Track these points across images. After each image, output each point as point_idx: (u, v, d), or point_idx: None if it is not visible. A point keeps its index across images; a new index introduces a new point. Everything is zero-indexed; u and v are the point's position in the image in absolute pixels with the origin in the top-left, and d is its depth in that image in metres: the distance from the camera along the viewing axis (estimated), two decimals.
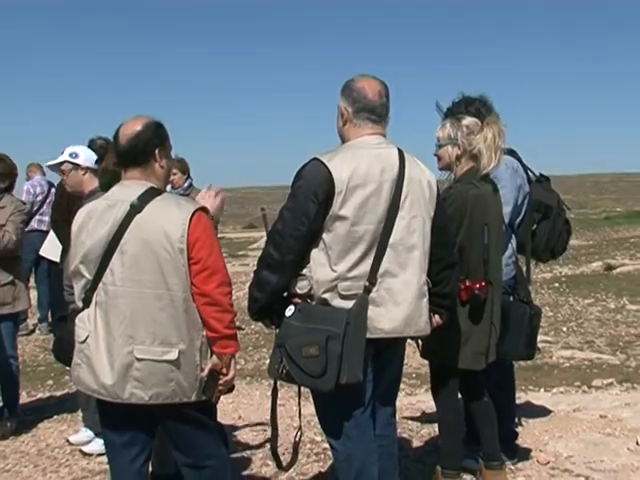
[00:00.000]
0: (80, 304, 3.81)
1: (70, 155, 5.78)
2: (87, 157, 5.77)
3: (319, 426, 4.32)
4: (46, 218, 11.02)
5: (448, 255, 4.15)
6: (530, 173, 5.49)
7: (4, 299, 6.42)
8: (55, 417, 7.08)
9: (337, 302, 3.79)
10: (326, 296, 3.80)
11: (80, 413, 6.94)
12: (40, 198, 11.15)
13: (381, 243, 3.82)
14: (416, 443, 6.11)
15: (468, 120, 4.80)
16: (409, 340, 4.35)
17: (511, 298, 5.11)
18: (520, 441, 5.79)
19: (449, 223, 4.28)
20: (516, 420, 5.99)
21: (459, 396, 4.95)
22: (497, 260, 4.74)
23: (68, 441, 6.23)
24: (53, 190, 11.35)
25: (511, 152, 5.28)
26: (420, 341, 4.64)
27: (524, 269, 5.49)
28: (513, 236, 5.22)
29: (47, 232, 10.92)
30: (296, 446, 4.21)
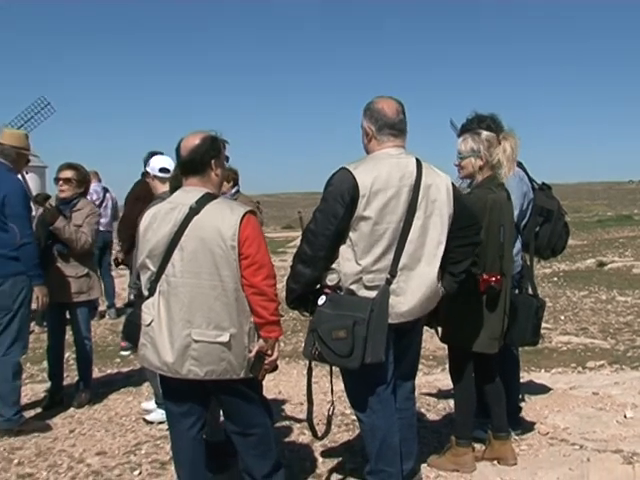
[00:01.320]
0: (146, 293, 3.84)
1: (146, 164, 5.87)
2: (153, 166, 5.81)
3: (345, 400, 4.32)
4: (103, 220, 11.18)
5: (473, 235, 4.14)
6: (534, 182, 5.46)
7: (80, 289, 6.49)
8: (122, 390, 7.12)
9: (362, 292, 3.81)
10: (353, 287, 3.82)
11: (143, 386, 7.05)
12: (97, 203, 11.24)
13: (400, 240, 3.84)
14: (433, 416, 6.09)
15: (486, 134, 4.79)
16: (426, 327, 4.37)
17: (516, 291, 5.08)
18: (523, 414, 5.77)
19: (472, 211, 4.24)
20: (520, 396, 5.96)
21: (472, 376, 4.93)
22: (509, 256, 4.73)
23: (146, 411, 6.22)
24: (108, 195, 11.49)
25: (518, 164, 5.25)
26: (439, 327, 4.66)
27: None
28: (519, 236, 5.19)
29: (105, 232, 11.11)
30: (329, 419, 4.22)
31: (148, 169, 5.85)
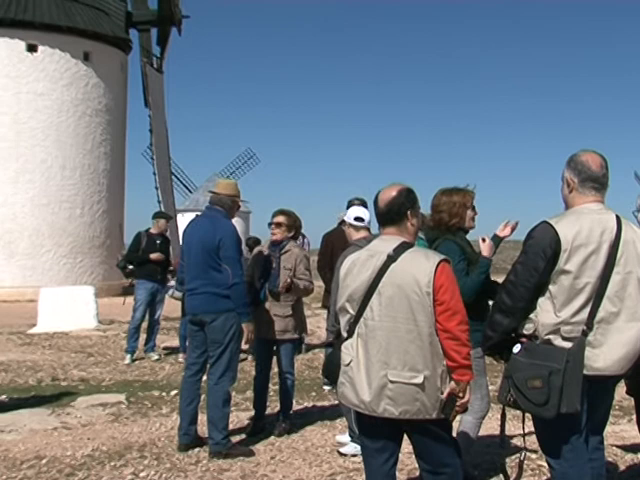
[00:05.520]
0: (345, 334, 3.87)
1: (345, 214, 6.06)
2: (349, 214, 5.98)
3: (534, 445, 4.15)
4: None
5: None
6: None
7: (286, 327, 6.68)
8: (318, 422, 7.17)
9: (559, 342, 3.65)
10: (549, 337, 3.66)
11: (337, 420, 7.08)
12: None
13: (598, 294, 3.66)
14: (621, 467, 5.69)
15: None
16: None
17: None
18: None
19: None
20: None
21: None
22: None
23: (340, 443, 6.25)
24: (305, 240, 11.74)
25: None
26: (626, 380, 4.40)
27: None
28: None
29: None
30: (521, 463, 4.07)
31: (345, 217, 6.01)
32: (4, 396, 8.44)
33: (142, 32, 28.29)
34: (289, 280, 6.61)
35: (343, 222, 6.10)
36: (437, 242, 4.81)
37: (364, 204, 7.12)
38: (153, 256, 10.93)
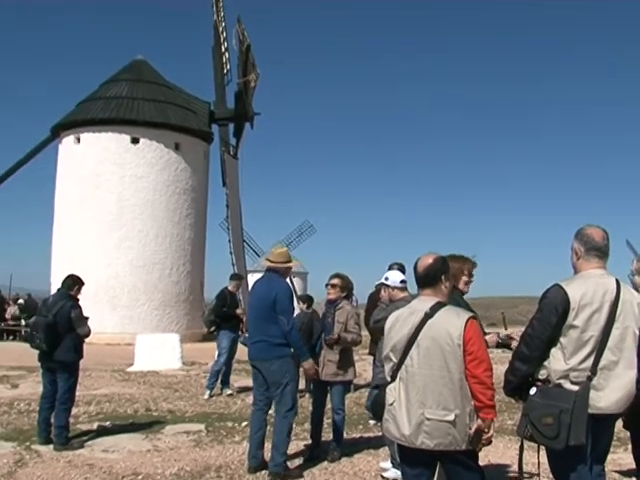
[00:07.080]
0: (389, 379, 3.90)
1: (385, 278, 6.12)
2: (393, 279, 6.05)
3: (547, 472, 4.09)
4: None
5: None
6: None
7: (337, 371, 6.73)
8: (364, 450, 7.11)
9: (568, 386, 3.66)
10: (560, 381, 3.68)
11: (381, 449, 7.01)
12: None
13: (601, 346, 3.68)
14: None
15: None
16: None
17: None
18: None
19: None
20: None
21: None
22: None
23: (383, 469, 6.18)
24: (354, 297, 11.73)
25: None
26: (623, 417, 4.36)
27: None
28: None
29: None
30: None
31: (388, 282, 6.07)
32: (108, 422, 8.60)
33: (222, 126, 29.07)
34: (337, 336, 6.68)
35: (382, 285, 6.18)
36: None
37: (402, 267, 7.17)
38: (239, 312, 11.10)
